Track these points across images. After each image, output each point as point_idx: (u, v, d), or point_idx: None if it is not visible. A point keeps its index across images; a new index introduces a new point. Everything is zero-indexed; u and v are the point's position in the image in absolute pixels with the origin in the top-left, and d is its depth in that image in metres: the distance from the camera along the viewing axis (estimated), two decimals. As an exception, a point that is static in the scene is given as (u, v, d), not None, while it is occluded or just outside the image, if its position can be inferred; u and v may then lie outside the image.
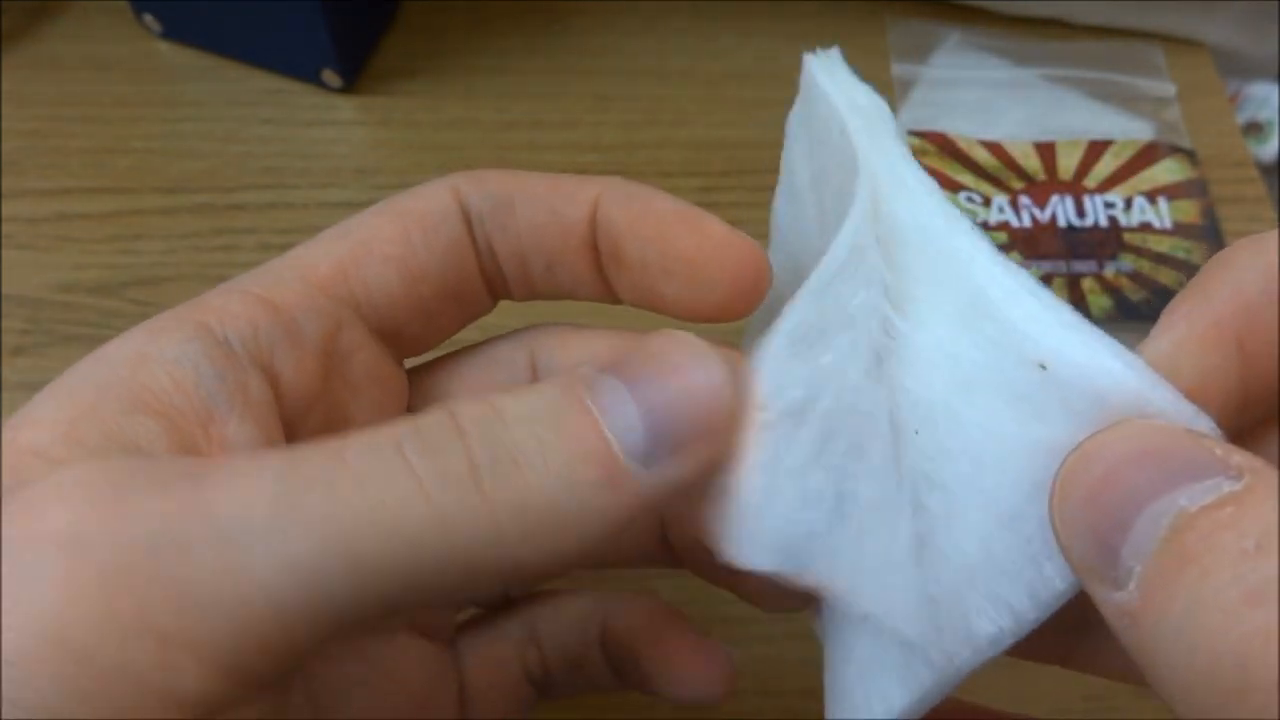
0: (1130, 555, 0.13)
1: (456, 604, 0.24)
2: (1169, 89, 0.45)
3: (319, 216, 0.31)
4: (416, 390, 0.22)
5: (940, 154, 0.42)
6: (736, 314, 0.20)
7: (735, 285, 0.20)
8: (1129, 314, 0.39)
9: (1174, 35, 0.47)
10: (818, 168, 0.21)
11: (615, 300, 0.22)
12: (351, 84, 0.43)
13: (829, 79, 0.20)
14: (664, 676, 0.23)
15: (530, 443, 0.15)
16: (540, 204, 0.21)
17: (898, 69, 0.45)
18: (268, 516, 0.14)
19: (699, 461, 0.16)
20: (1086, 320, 0.16)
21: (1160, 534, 0.13)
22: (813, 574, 0.17)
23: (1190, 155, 0.42)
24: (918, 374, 0.18)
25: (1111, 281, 0.39)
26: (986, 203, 0.41)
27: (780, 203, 0.22)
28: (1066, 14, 0.46)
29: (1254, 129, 0.50)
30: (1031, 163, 0.42)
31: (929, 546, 0.18)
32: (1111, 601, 0.14)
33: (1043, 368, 0.16)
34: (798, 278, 0.18)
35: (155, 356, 0.17)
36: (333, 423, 0.20)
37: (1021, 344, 0.16)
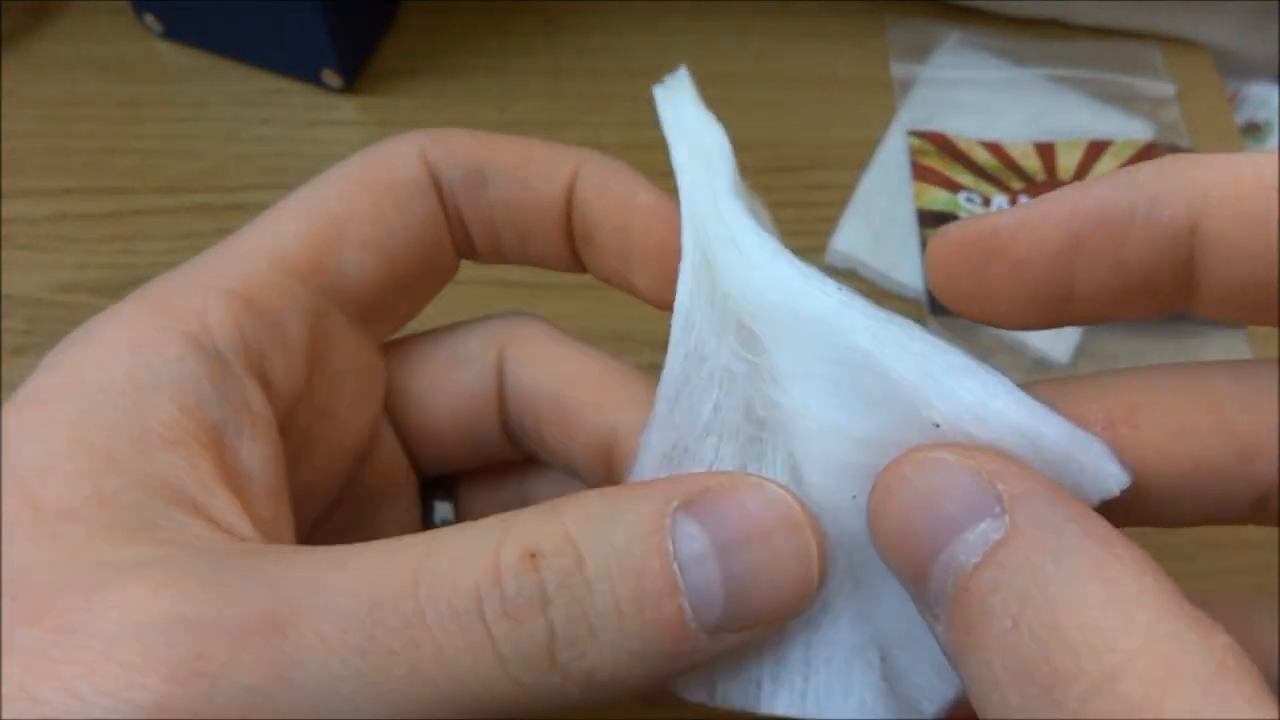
0: (935, 601, 0.14)
1: None
2: (1168, 89, 0.45)
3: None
4: (394, 383, 0.22)
5: (940, 154, 0.42)
6: None
7: None
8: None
9: (1174, 35, 0.47)
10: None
11: (584, 272, 0.21)
12: (351, 84, 0.43)
13: (671, 112, 0.20)
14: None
15: (610, 613, 0.15)
16: (514, 178, 0.20)
17: (898, 69, 0.45)
18: (354, 693, 0.14)
19: (766, 635, 0.16)
20: (973, 360, 0.16)
21: (949, 592, 0.14)
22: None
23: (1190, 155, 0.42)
24: (810, 455, 0.17)
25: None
26: (986, 203, 0.41)
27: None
28: (1066, 14, 0.46)
29: (1253, 129, 0.50)
30: (1031, 163, 0.42)
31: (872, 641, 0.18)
32: (933, 629, 0.15)
33: (937, 426, 0.15)
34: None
35: (153, 383, 0.16)
36: (316, 419, 0.19)
37: (912, 402, 0.16)
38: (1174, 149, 0.42)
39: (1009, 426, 0.15)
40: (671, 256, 0.19)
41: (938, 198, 0.40)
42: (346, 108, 0.43)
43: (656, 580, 0.15)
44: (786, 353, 0.17)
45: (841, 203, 0.40)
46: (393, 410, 0.22)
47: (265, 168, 0.41)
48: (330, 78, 0.42)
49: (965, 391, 0.15)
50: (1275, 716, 0.11)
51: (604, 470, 0.21)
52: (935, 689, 0.17)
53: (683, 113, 0.20)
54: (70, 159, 0.41)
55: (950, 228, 0.18)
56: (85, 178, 0.41)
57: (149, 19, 0.44)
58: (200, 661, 0.14)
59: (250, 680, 0.14)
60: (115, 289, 0.37)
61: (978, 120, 0.43)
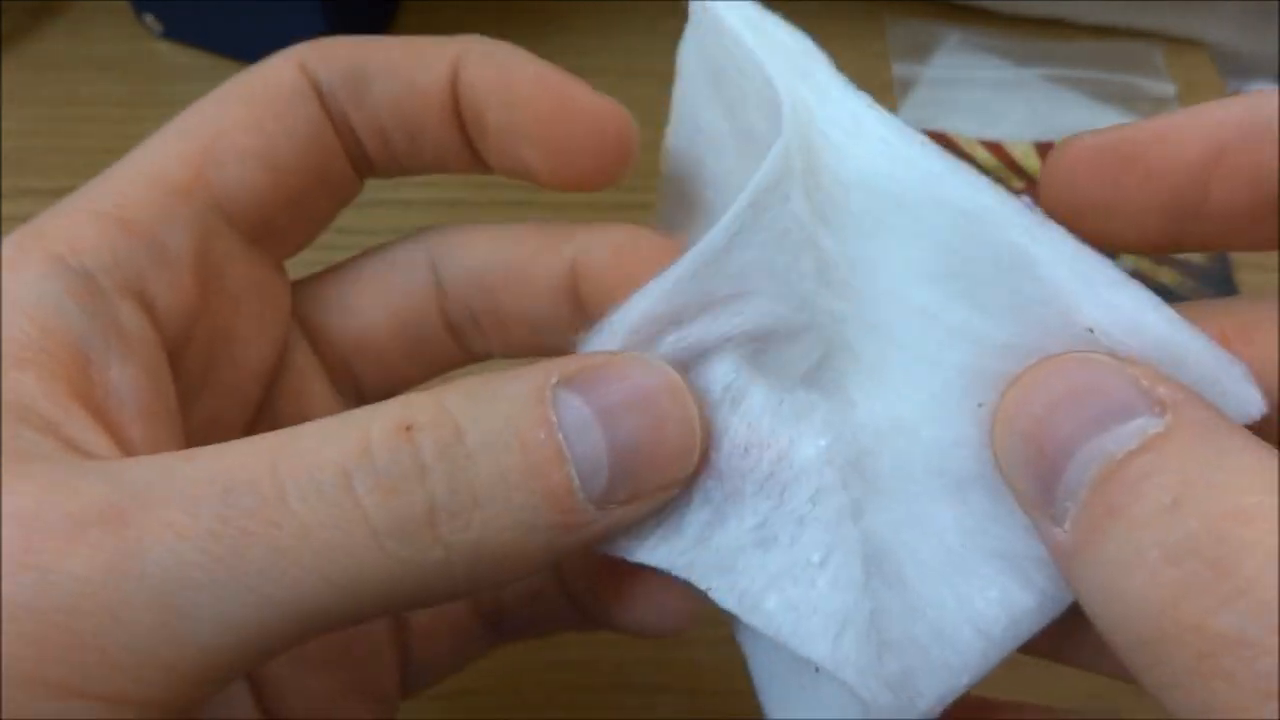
0: (1064, 495, 0.14)
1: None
2: (1169, 89, 0.45)
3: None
4: (311, 298, 0.21)
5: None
6: (603, 182, 0.19)
7: (600, 150, 0.19)
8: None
9: (1174, 35, 0.47)
10: (728, 107, 0.19)
11: (485, 170, 0.20)
12: (351, 84, 0.43)
13: (730, 12, 0.18)
14: (621, 604, 0.21)
15: (494, 480, 0.14)
16: (396, 74, 0.19)
17: (898, 69, 0.45)
18: (207, 578, 0.13)
19: (655, 507, 0.16)
20: (1123, 273, 0.16)
21: (1090, 479, 0.13)
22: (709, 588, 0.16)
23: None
24: (937, 360, 0.17)
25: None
26: (986, 203, 0.41)
27: (677, 137, 0.21)
28: (1066, 14, 0.46)
29: (1254, 129, 0.50)
30: (1031, 163, 0.42)
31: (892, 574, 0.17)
32: (1050, 536, 0.14)
33: (1090, 331, 0.15)
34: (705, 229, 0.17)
35: (9, 302, 0.15)
36: (216, 342, 0.18)
37: (1065, 307, 0.15)
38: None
39: (1161, 341, 0.15)
40: (559, 125, 0.19)
41: (938, 198, 0.40)
42: (346, 108, 0.43)
43: (542, 450, 0.14)
44: (916, 249, 0.16)
45: (842, 203, 0.40)
46: (316, 329, 0.21)
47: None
48: (330, 78, 0.42)
49: (1122, 301, 0.15)
50: None
51: (564, 327, 0.19)
52: (940, 679, 0.17)
53: (741, 9, 0.19)
54: (70, 159, 0.41)
55: (1079, 135, 0.17)
56: (85, 178, 0.40)
57: (149, 19, 0.44)
58: (28, 555, 0.13)
59: (84, 571, 0.13)
60: (115, 289, 0.37)
61: (978, 120, 0.43)
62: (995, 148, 0.42)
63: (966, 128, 0.43)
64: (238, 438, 0.17)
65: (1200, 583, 0.12)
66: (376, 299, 0.21)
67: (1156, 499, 0.13)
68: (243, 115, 0.18)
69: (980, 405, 0.16)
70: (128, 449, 0.16)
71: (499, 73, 0.19)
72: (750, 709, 0.24)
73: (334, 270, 0.21)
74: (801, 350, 0.18)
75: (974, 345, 0.16)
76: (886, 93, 0.44)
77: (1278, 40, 0.46)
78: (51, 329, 0.15)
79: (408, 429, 0.14)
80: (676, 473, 0.16)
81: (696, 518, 0.16)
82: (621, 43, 0.45)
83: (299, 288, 0.21)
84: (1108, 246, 0.17)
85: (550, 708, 0.31)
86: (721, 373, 0.17)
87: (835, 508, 0.17)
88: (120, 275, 0.16)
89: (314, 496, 0.14)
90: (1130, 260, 0.40)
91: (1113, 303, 0.15)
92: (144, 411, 0.16)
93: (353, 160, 0.20)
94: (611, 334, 0.17)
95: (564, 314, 0.19)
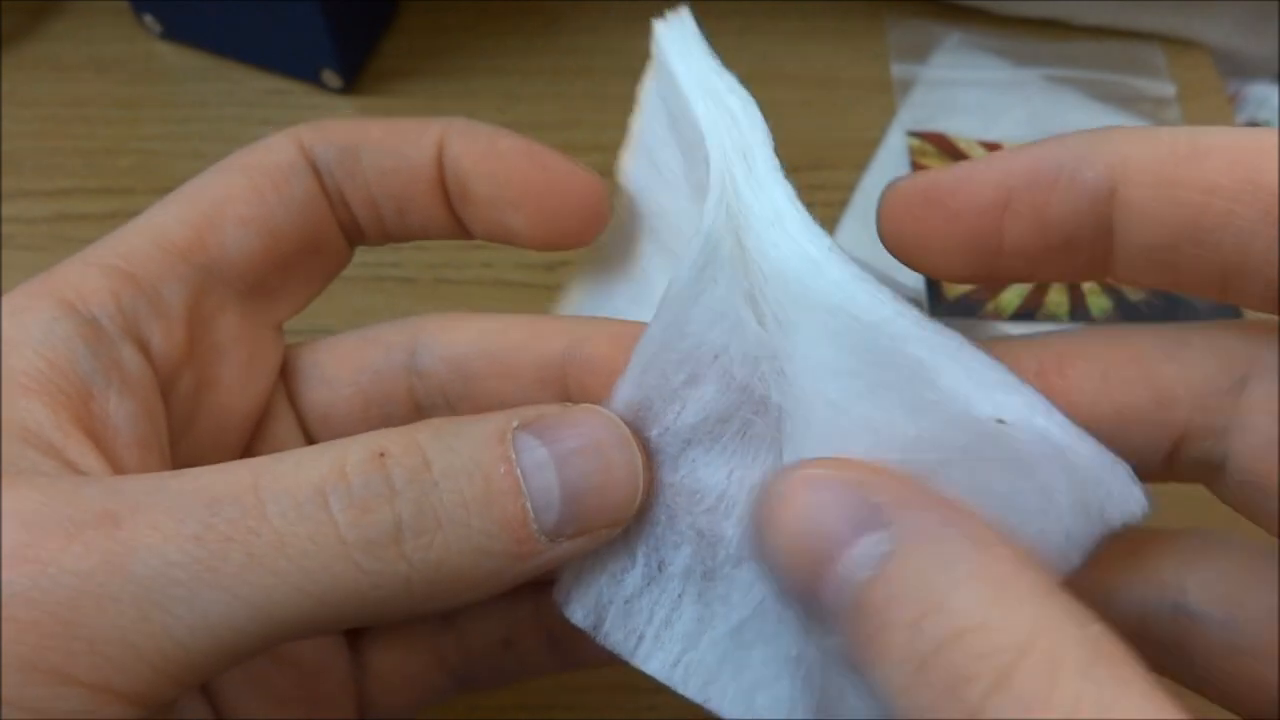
0: (830, 618, 0.15)
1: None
2: (1169, 89, 0.45)
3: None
4: (297, 362, 0.22)
5: (940, 154, 0.42)
6: (580, 241, 0.22)
7: (578, 214, 0.21)
8: (1129, 314, 0.39)
9: (1174, 35, 0.47)
10: (685, 150, 0.20)
11: (468, 236, 0.22)
12: (351, 84, 0.43)
13: (681, 61, 0.19)
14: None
15: (456, 506, 0.16)
16: (386, 150, 0.21)
17: (898, 69, 0.45)
18: (189, 578, 0.14)
19: (598, 544, 0.18)
20: (1016, 377, 0.16)
21: (846, 610, 0.15)
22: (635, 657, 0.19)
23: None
24: (843, 449, 0.17)
25: (1112, 282, 0.39)
26: (986, 203, 0.41)
27: (635, 166, 0.22)
28: (1066, 14, 0.46)
29: (1253, 129, 0.50)
30: (1031, 163, 0.42)
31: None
32: (826, 643, 0.16)
33: (1001, 422, 0.16)
34: (661, 253, 0.19)
35: (22, 340, 0.17)
36: (202, 384, 0.20)
37: (966, 406, 0.16)
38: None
39: (1049, 443, 0.16)
40: (541, 193, 0.20)
41: (938, 198, 0.40)
42: (346, 108, 0.43)
43: (501, 482, 0.16)
44: (825, 346, 0.17)
45: (841, 203, 0.40)
46: (297, 392, 0.22)
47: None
48: (330, 78, 0.42)
49: (1016, 403, 0.16)
50: (1145, 689, 0.13)
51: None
52: None
53: (696, 64, 0.19)
54: (70, 159, 0.41)
55: (898, 180, 0.18)
56: (85, 178, 0.41)
57: (149, 19, 0.44)
58: (30, 549, 0.14)
59: (81, 566, 0.14)
60: (115, 289, 0.37)
61: (978, 120, 0.43)
62: (994, 148, 0.42)
63: (966, 128, 0.43)
64: None
65: (940, 705, 0.13)
66: (348, 374, 0.22)
67: (900, 633, 0.14)
68: (243, 186, 0.20)
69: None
70: (121, 472, 0.17)
71: (482, 147, 0.21)
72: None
73: (323, 338, 0.23)
74: (756, 440, 0.19)
75: (877, 438, 0.17)
76: (886, 93, 0.44)
77: (1278, 40, 0.46)
78: (59, 364, 0.17)
79: (381, 456, 0.16)
80: (620, 514, 0.18)
81: (688, 615, 0.19)
82: (621, 43, 0.45)
83: (290, 350, 0.22)
84: (933, 275, 0.18)
85: (552, 708, 0.31)
86: (715, 481, 0.19)
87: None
88: (123, 321, 0.18)
89: (292, 511, 0.15)
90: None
91: (1006, 405, 0.16)
92: (138, 441, 0.18)
93: (344, 230, 0.22)
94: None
95: (544, 403, 0.20)
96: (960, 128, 0.43)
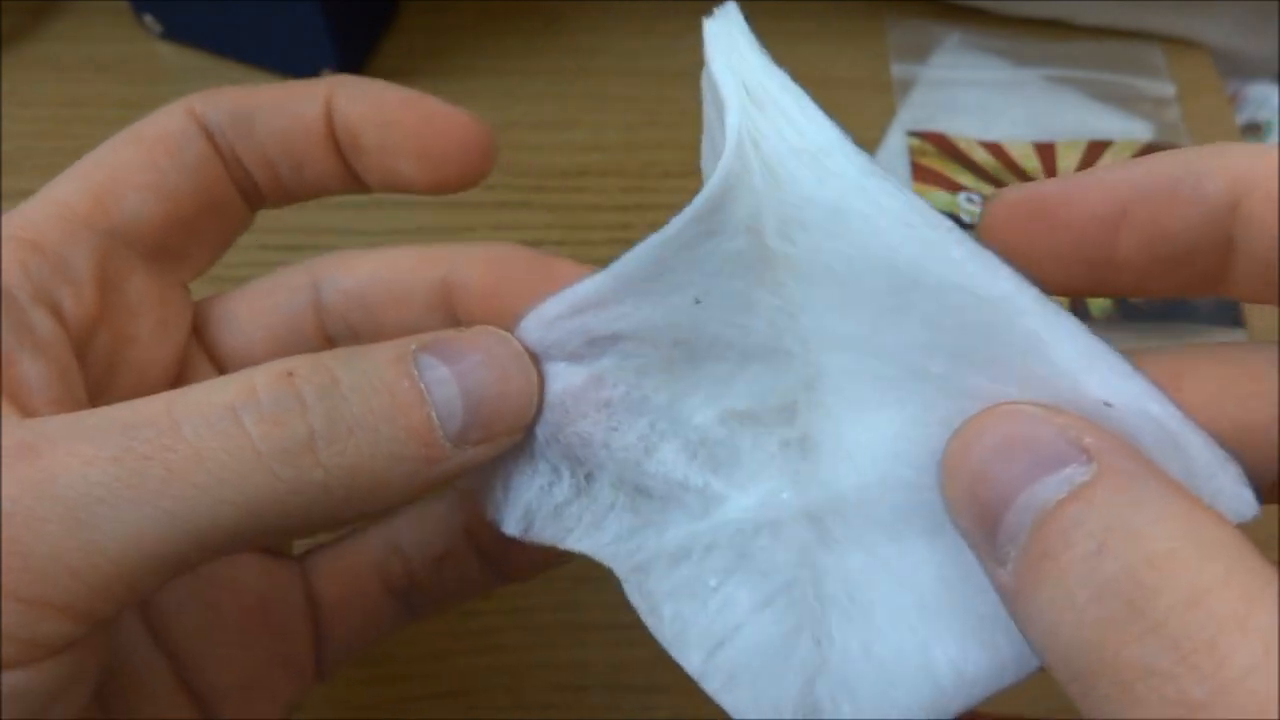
0: (1005, 541, 0.15)
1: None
2: (1169, 89, 0.45)
3: (318, 216, 0.31)
4: (207, 313, 0.23)
5: (940, 154, 0.42)
6: (467, 183, 0.22)
7: (463, 156, 0.22)
8: (1129, 315, 0.39)
9: (1174, 35, 0.47)
10: (715, 135, 0.21)
11: (365, 189, 0.23)
12: (351, 84, 0.43)
13: (720, 57, 0.19)
14: (524, 548, 0.22)
15: (365, 415, 0.17)
16: (278, 110, 0.22)
17: (898, 69, 0.45)
18: (111, 495, 0.15)
19: (501, 449, 0.19)
20: (1132, 365, 0.16)
21: (1027, 526, 0.15)
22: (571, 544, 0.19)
23: (1190, 155, 0.42)
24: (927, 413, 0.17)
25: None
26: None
27: (702, 152, 0.22)
28: (1066, 14, 0.46)
29: (1254, 129, 0.50)
30: (1031, 163, 0.42)
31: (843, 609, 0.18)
32: (996, 578, 0.16)
33: (1107, 405, 0.16)
34: None
35: None
36: (118, 342, 0.21)
37: (1078, 382, 0.16)
38: (1175, 149, 0.42)
39: (1162, 430, 0.16)
40: (426, 138, 0.21)
41: (938, 198, 0.40)
42: (346, 108, 0.43)
43: (406, 394, 0.17)
44: (919, 324, 0.17)
45: (841, 203, 0.40)
46: (210, 341, 0.23)
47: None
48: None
49: (1131, 389, 0.16)
50: None
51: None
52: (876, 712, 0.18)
53: (739, 58, 0.19)
54: (70, 159, 0.41)
55: (1004, 190, 0.19)
56: (85, 178, 0.41)
57: (149, 19, 0.44)
58: None
59: (8, 493, 0.15)
60: (115, 289, 0.37)
61: (978, 120, 0.43)
62: (995, 148, 0.42)
63: (966, 128, 0.43)
64: None
65: (1119, 621, 0.13)
66: (258, 317, 0.23)
67: (1084, 545, 0.14)
68: (138, 154, 0.21)
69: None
70: None
71: (370, 99, 0.22)
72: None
73: (229, 291, 0.24)
74: (762, 383, 0.19)
75: (972, 402, 0.17)
76: (886, 93, 0.44)
77: (1278, 40, 0.46)
78: None
79: (289, 375, 0.17)
80: (519, 420, 0.19)
81: (620, 521, 0.19)
82: (621, 43, 0.45)
83: (199, 305, 0.23)
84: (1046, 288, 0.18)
85: (548, 708, 0.31)
86: (657, 402, 0.19)
87: (746, 544, 0.19)
88: (31, 288, 0.19)
89: (205, 428, 0.16)
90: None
91: (1120, 390, 0.16)
92: (53, 400, 0.19)
93: (243, 191, 0.23)
94: (529, 326, 0.19)
95: (440, 326, 0.21)
96: (960, 128, 0.43)
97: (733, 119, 0.18)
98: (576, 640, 0.32)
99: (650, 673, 0.31)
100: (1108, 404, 0.16)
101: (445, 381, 0.18)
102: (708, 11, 0.20)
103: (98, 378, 0.21)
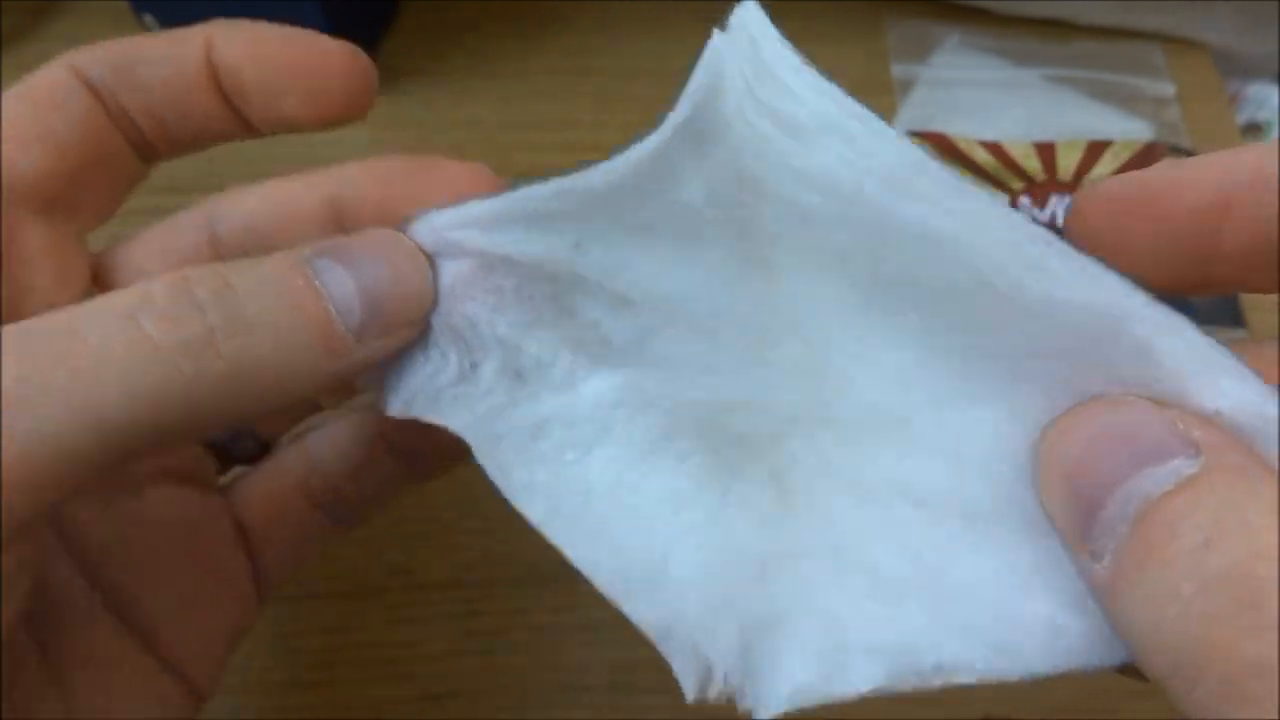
0: (1102, 533, 0.15)
1: (189, 443, 0.25)
2: (1169, 89, 0.45)
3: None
4: (106, 261, 0.23)
5: (940, 154, 0.42)
6: (351, 115, 0.23)
7: (344, 88, 0.22)
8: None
9: (1174, 35, 0.47)
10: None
11: (253, 133, 0.24)
12: (351, 84, 0.43)
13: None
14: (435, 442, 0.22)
15: (262, 311, 0.17)
16: (158, 60, 0.22)
17: (898, 69, 0.45)
18: (16, 395, 0.15)
19: (400, 342, 0.19)
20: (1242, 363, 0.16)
21: (1129, 517, 0.15)
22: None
23: (1190, 155, 0.42)
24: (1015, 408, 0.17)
25: None
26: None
27: None
28: (1066, 14, 0.46)
29: (1253, 129, 0.50)
30: (1031, 163, 0.42)
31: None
32: (1088, 571, 0.15)
33: (1217, 413, 0.15)
34: None
35: None
36: (16, 294, 0.21)
37: (1187, 388, 0.16)
38: (1174, 149, 0.42)
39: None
40: (306, 72, 0.22)
41: (938, 198, 0.40)
42: (346, 108, 0.43)
43: (302, 291, 0.18)
44: (1016, 328, 0.17)
45: (841, 203, 0.40)
46: (114, 285, 0.23)
47: (265, 167, 0.41)
48: (330, 78, 0.42)
49: (1245, 391, 0.15)
50: None
51: None
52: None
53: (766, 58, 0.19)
54: (70, 159, 0.41)
55: (1100, 182, 0.18)
56: (85, 178, 0.41)
57: (149, 19, 0.44)
58: None
59: None
60: (115, 289, 0.37)
61: (978, 120, 0.43)
62: (995, 148, 0.42)
63: (966, 128, 0.43)
64: None
65: (1228, 615, 0.13)
66: (155, 259, 0.24)
67: (1191, 538, 0.14)
68: (20, 110, 0.21)
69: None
70: None
71: (248, 39, 0.22)
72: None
73: (126, 238, 0.24)
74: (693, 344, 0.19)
75: (1074, 397, 0.16)
76: (886, 93, 0.44)
77: (1278, 40, 0.46)
78: None
79: (184, 279, 0.17)
80: (416, 313, 0.19)
81: (492, 400, 0.20)
82: (621, 43, 0.45)
83: (98, 255, 0.24)
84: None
85: (550, 708, 0.31)
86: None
87: (607, 417, 0.19)
88: None
89: (103, 328, 0.16)
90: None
91: (1236, 393, 0.15)
92: None
93: (132, 143, 0.23)
94: (420, 230, 0.19)
95: None
96: (960, 128, 0.43)
97: (695, 82, 0.18)
98: (579, 641, 0.32)
99: (652, 674, 0.31)
100: (1219, 411, 0.15)
101: (342, 280, 0.18)
102: (709, 11, 0.20)
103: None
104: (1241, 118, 0.49)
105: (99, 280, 0.23)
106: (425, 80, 0.44)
